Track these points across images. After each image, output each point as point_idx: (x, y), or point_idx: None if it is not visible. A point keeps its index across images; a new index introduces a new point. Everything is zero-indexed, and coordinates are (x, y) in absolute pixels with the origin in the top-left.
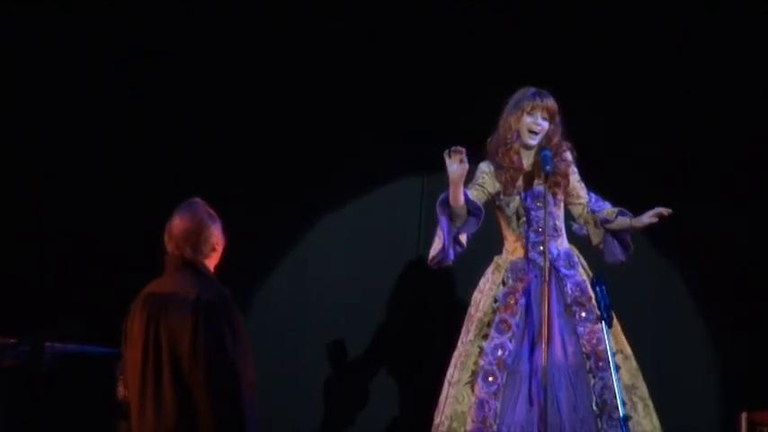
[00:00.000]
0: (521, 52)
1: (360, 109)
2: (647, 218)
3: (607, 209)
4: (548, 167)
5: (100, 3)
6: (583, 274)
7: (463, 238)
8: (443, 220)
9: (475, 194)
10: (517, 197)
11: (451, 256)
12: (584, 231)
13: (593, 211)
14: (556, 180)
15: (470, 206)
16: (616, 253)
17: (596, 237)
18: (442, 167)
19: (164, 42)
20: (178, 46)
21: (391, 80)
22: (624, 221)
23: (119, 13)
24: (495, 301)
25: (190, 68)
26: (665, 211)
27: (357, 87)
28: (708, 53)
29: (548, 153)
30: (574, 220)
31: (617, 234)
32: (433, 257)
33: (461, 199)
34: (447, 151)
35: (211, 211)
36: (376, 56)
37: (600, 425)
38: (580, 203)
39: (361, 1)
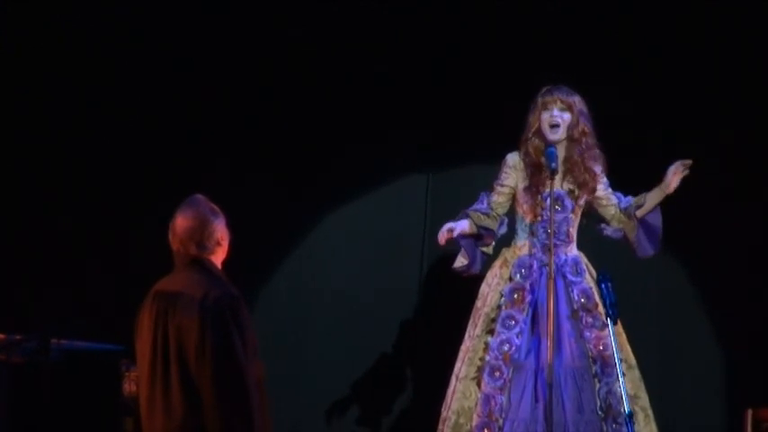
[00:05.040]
0: (526, 51)
1: (364, 107)
2: (672, 176)
3: (634, 198)
4: (553, 165)
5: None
6: (590, 281)
7: (489, 249)
8: (464, 242)
9: (498, 201)
10: (538, 196)
11: (479, 269)
12: (620, 233)
13: (625, 208)
14: (583, 181)
15: (487, 231)
16: (646, 247)
17: (632, 231)
18: (447, 166)
19: (168, 39)
20: (182, 43)
21: (395, 78)
22: (656, 194)
23: (119, 10)
24: (502, 296)
25: (192, 67)
26: (685, 162)
27: (361, 85)
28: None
29: (553, 150)
30: (608, 223)
31: (647, 225)
32: (455, 269)
33: (473, 230)
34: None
35: (214, 206)
36: (380, 53)
37: (605, 428)
38: (612, 205)
39: None
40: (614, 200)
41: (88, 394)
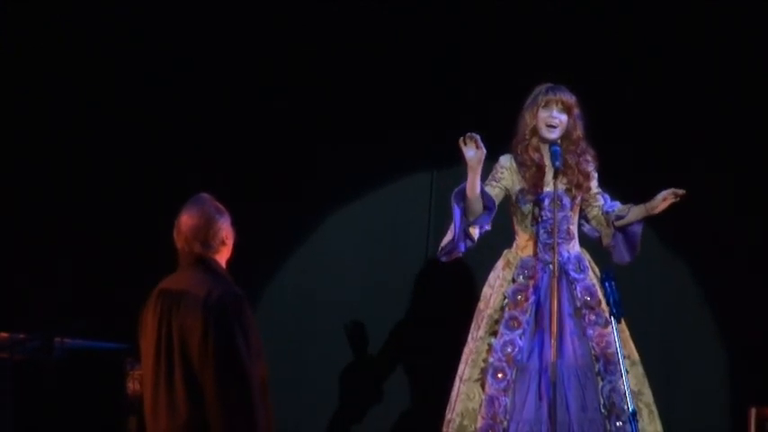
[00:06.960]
0: (532, 47)
1: (367, 104)
2: (661, 201)
3: (620, 206)
4: (557, 163)
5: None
6: (593, 278)
7: (475, 232)
8: (457, 211)
9: (492, 193)
10: (537, 196)
11: (462, 249)
12: (597, 233)
13: (606, 213)
14: (577, 183)
15: (485, 200)
16: (623, 253)
17: (607, 237)
18: (452, 163)
19: (168, 39)
20: (182, 43)
21: (399, 74)
22: (639, 210)
23: (119, 10)
24: (505, 298)
25: (192, 67)
26: (678, 191)
27: (364, 82)
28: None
29: (557, 148)
30: (587, 221)
31: (627, 233)
32: (443, 248)
33: (478, 187)
34: (462, 138)
35: (219, 205)
36: (383, 50)
37: (608, 427)
38: (596, 206)
39: None
40: (600, 201)
41: (92, 393)
